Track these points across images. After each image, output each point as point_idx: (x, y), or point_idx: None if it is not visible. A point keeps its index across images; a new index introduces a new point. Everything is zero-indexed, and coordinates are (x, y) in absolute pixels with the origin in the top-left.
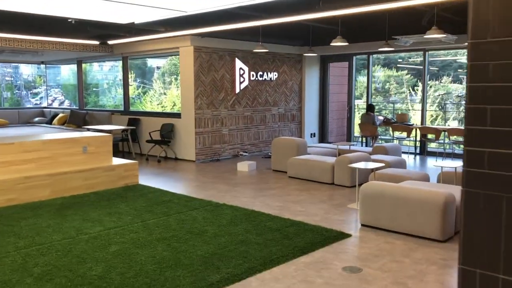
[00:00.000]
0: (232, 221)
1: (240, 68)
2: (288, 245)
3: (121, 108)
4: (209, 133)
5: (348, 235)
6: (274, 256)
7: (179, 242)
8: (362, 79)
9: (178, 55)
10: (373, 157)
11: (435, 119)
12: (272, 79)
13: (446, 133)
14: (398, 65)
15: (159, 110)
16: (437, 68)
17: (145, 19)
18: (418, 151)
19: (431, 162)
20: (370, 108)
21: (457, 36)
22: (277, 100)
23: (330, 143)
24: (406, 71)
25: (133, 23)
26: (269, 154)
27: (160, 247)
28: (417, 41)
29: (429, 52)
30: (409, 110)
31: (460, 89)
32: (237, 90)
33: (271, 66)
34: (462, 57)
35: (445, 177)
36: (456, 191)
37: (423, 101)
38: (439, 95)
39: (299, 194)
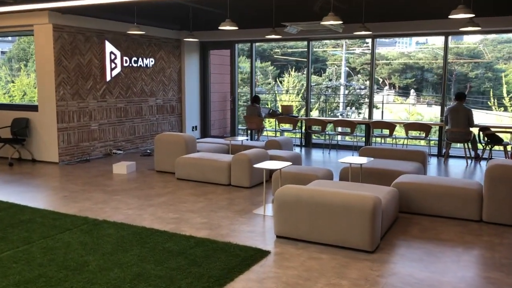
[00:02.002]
0: (120, 245)
1: (111, 52)
2: (199, 275)
3: None
4: (75, 129)
5: (267, 252)
6: None
7: (50, 286)
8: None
9: (33, 35)
10: (269, 152)
11: (299, 109)
12: (148, 65)
13: (332, 124)
14: (262, 56)
15: (7, 101)
16: (298, 59)
17: None
18: (303, 143)
19: (318, 154)
20: (255, 99)
21: (344, 26)
22: (155, 89)
23: (213, 136)
24: (269, 62)
25: None
26: (148, 151)
27: None
28: (306, 29)
29: (312, 42)
30: (276, 100)
31: (320, 80)
32: (108, 78)
33: (146, 51)
34: (317, 49)
35: (346, 173)
36: (379, 192)
37: (307, 92)
38: (302, 86)
39: (195, 201)
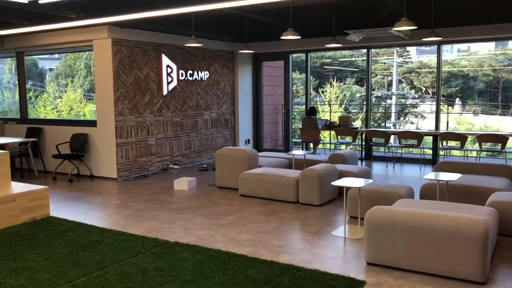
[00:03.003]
0: (199, 271)
1: (168, 66)
2: None
3: (15, 115)
4: (133, 144)
5: (362, 283)
6: None
7: None
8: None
9: (92, 50)
10: (338, 167)
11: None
12: (203, 79)
13: (397, 136)
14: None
15: (55, 116)
16: (339, 68)
17: None
18: (363, 156)
19: (381, 168)
20: (311, 111)
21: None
22: (209, 103)
23: (266, 150)
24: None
25: (35, 1)
26: (205, 165)
27: None
28: (370, 36)
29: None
30: (320, 112)
31: (362, 91)
32: (165, 92)
33: (201, 64)
34: (357, 58)
35: (429, 190)
36: (478, 214)
37: (367, 102)
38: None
39: (265, 220)
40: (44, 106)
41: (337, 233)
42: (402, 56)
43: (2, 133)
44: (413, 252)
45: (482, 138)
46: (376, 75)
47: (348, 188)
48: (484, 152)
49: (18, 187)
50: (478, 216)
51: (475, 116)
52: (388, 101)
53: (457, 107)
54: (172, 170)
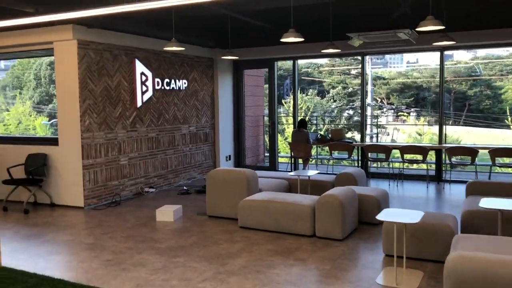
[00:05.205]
0: None
1: (142, 73)
2: None
3: None
4: (103, 165)
5: None
6: None
7: None
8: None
9: (51, 54)
10: (355, 189)
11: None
12: (181, 88)
13: (398, 151)
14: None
15: (1, 130)
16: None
17: None
18: None
19: (383, 186)
20: (302, 123)
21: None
22: (188, 115)
23: (248, 166)
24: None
25: None
26: (185, 188)
27: None
28: (375, 40)
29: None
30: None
31: (323, 102)
32: (139, 103)
33: (179, 71)
34: (306, 69)
35: (472, 220)
36: None
37: (362, 113)
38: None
39: (284, 263)
40: None
41: (383, 281)
42: (357, 68)
43: None
44: None
45: (496, 152)
46: (334, 87)
47: (398, 224)
48: (498, 168)
49: None
50: None
51: (430, 126)
52: (351, 112)
53: (411, 118)
54: (147, 194)
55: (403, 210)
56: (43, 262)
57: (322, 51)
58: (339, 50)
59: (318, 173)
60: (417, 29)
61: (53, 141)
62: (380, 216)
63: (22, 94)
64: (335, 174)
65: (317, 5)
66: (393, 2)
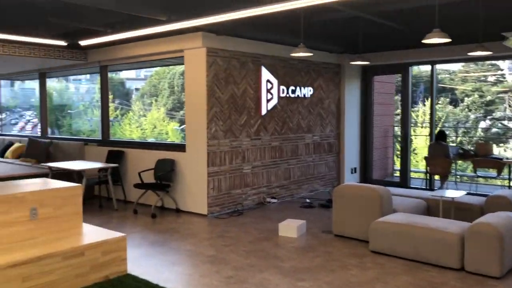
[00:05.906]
0: None
1: (268, 81)
2: None
3: (98, 136)
4: (227, 173)
5: None
6: None
7: None
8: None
9: (182, 63)
10: None
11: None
12: (306, 96)
13: None
14: None
15: (139, 133)
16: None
17: None
18: None
19: None
20: (441, 135)
21: None
22: (312, 124)
23: (375, 181)
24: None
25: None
26: (308, 201)
27: None
28: None
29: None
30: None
31: (457, 111)
32: (264, 111)
33: (304, 78)
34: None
35: None
36: None
37: None
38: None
39: None
40: (129, 124)
41: None
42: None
43: (82, 156)
44: None
45: None
46: (468, 95)
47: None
48: None
49: (90, 234)
50: None
51: None
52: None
53: None
54: (269, 204)
55: None
56: (165, 272)
57: (469, 53)
58: (490, 53)
59: (467, 193)
60: None
61: (180, 147)
62: None
63: (157, 101)
64: (482, 195)
65: (464, 1)
66: None
